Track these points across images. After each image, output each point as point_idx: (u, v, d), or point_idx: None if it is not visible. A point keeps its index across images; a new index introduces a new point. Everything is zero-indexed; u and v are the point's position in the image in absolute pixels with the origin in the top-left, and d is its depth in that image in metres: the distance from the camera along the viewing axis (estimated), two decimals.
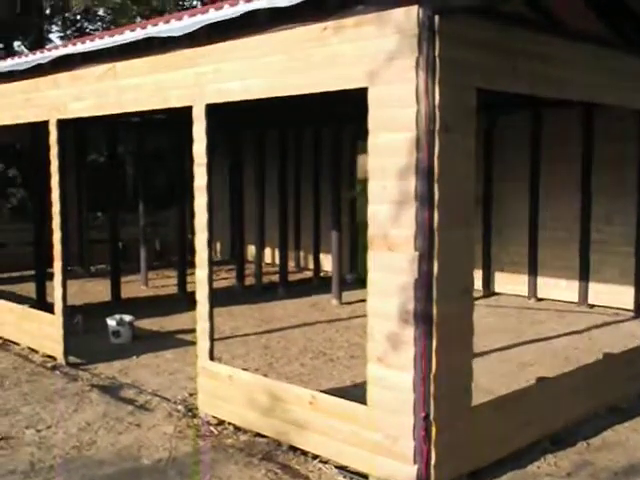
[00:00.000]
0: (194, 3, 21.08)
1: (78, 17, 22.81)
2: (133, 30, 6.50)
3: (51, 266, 10.38)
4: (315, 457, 5.22)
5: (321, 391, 5.93)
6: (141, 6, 16.99)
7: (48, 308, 9.43)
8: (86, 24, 22.08)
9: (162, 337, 9.18)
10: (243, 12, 5.18)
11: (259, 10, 5.14)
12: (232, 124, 12.37)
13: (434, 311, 4.47)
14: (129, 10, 16.72)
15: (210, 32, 5.63)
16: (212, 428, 5.82)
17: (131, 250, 14.21)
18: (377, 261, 4.68)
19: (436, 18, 4.35)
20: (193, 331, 9.50)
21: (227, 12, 5.36)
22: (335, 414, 5.05)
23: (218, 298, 11.77)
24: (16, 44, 22.03)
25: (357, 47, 4.70)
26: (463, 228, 4.67)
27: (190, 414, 6.16)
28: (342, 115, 10.84)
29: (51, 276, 10.52)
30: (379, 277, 4.66)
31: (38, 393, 6.58)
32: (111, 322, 8.84)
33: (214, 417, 5.99)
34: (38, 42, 20.31)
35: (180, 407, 6.32)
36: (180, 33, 5.67)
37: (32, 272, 12.75)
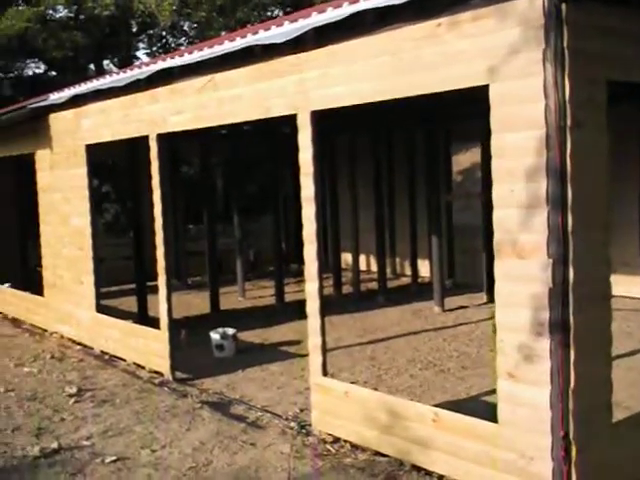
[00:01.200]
0: (276, 13, 21.12)
1: (164, 33, 23.19)
2: (232, 40, 6.38)
3: (150, 280, 10.58)
4: (440, 477, 4.94)
5: (436, 405, 5.67)
6: (226, 18, 17.04)
7: (150, 322, 9.48)
8: (171, 40, 22.42)
9: (266, 350, 9.05)
10: (349, 14, 4.98)
11: (366, 10, 4.92)
12: (323, 130, 12.19)
13: (571, 321, 4.14)
14: (215, 23, 16.79)
15: (315, 36, 5.44)
16: (328, 446, 5.61)
17: (225, 261, 14.21)
18: (505, 269, 4.38)
19: (563, 6, 4.04)
20: (296, 343, 9.49)
21: (332, 15, 5.16)
22: (461, 432, 4.77)
23: None
24: (105, 62, 22.54)
25: (475, 43, 4.42)
26: (599, 231, 4.32)
27: (304, 431, 5.97)
28: (436, 116, 10.54)
29: (151, 290, 10.66)
30: (508, 287, 4.36)
31: (149, 411, 6.52)
32: (215, 336, 8.77)
33: (329, 435, 5.79)
34: (126, 60, 20.71)
35: (293, 424, 6.14)
36: (283, 39, 5.51)
37: (130, 286, 12.98)
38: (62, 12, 20.10)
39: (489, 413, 4.73)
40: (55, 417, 6.45)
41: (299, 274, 15.14)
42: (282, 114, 5.94)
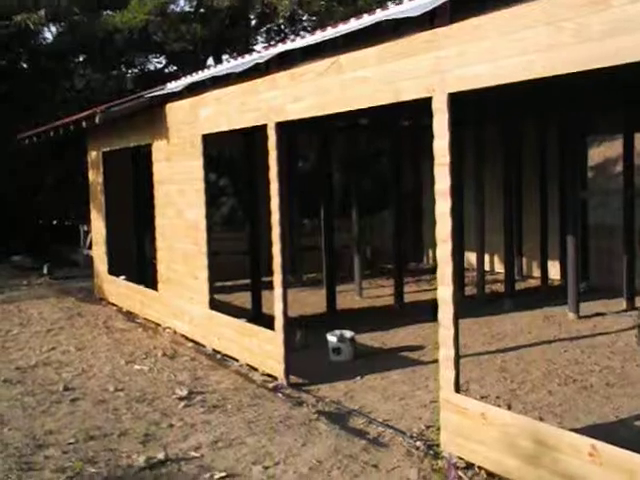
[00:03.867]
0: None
1: (282, 26, 22.90)
2: (359, 18, 5.79)
3: (265, 275, 10.18)
4: None
5: (575, 430, 4.93)
6: (347, 7, 16.49)
7: (264, 320, 9.06)
8: (290, 32, 22.10)
9: (385, 355, 8.45)
10: None
11: None
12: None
13: None
14: (336, 13, 16.27)
15: (454, 8, 4.79)
16: (461, 473, 4.96)
17: (341, 258, 13.68)
18: None
19: None
20: (418, 348, 8.85)
21: None
22: (625, 471, 4.01)
23: (435, 310, 11.12)
24: (224, 57, 22.46)
25: None
26: None
27: (431, 453, 5.34)
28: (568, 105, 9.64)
29: (266, 285, 10.26)
30: None
31: (262, 421, 6.02)
32: (332, 338, 8.24)
33: (460, 459, 5.12)
34: (245, 54, 20.46)
35: (419, 443, 5.51)
36: (419, 12, 4.88)
37: (245, 281, 12.66)
38: (182, 4, 20.16)
39: None
40: (163, 422, 6.05)
41: (417, 273, 14.50)
42: (414, 97, 5.31)
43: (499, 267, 13.75)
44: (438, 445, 5.43)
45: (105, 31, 16.99)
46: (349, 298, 12.00)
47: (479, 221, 11.53)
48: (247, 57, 7.49)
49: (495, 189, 11.99)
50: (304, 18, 18.83)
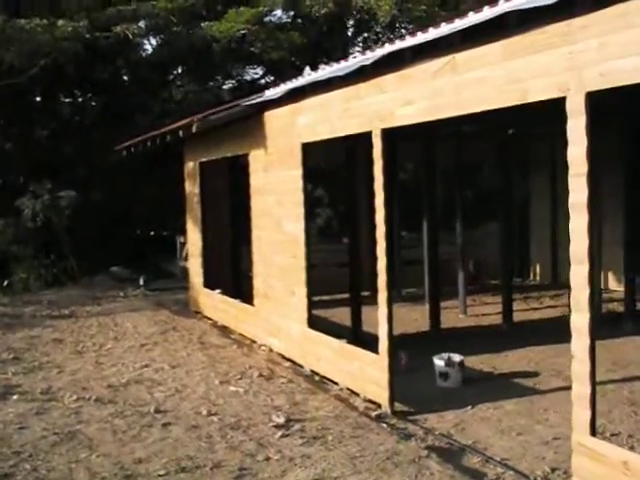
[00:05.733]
0: None
1: (379, 35, 22.41)
2: (478, 12, 5.21)
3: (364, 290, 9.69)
4: None
5: None
6: (450, 11, 15.87)
7: (364, 339, 8.54)
8: (388, 41, 21.55)
9: (496, 381, 7.77)
10: None
11: None
12: None
13: None
14: (437, 17, 15.66)
15: None
16: None
17: (442, 272, 12.99)
18: None
19: None
20: (533, 375, 8.11)
21: None
22: None
23: (548, 331, 10.37)
24: (321, 67, 22.15)
25: None
26: None
27: None
28: None
29: (365, 300, 9.75)
30: None
31: (367, 457, 5.47)
32: (439, 362, 7.62)
33: None
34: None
35: None
36: (551, 1, 4.26)
37: (342, 296, 12.17)
38: (279, 14, 19.91)
39: None
40: (259, 454, 5.57)
41: (524, 290, 13.66)
42: (544, 98, 4.69)
43: (613, 284, 12.79)
44: None
45: (203, 41, 16.88)
46: (453, 316, 11.32)
47: (597, 232, 10.66)
48: (351, 60, 6.99)
49: (610, 197, 11.10)
50: (404, 25, 18.25)
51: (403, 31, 20.29)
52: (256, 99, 8.80)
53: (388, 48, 6.21)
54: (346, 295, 13.18)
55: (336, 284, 12.41)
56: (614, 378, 7.63)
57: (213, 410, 6.78)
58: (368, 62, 6.32)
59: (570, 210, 4.52)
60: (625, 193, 10.04)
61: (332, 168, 17.98)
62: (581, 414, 4.57)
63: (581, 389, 4.55)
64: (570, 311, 10.84)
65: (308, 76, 7.85)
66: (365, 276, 10.38)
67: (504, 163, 10.93)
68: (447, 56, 5.57)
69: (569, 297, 10.83)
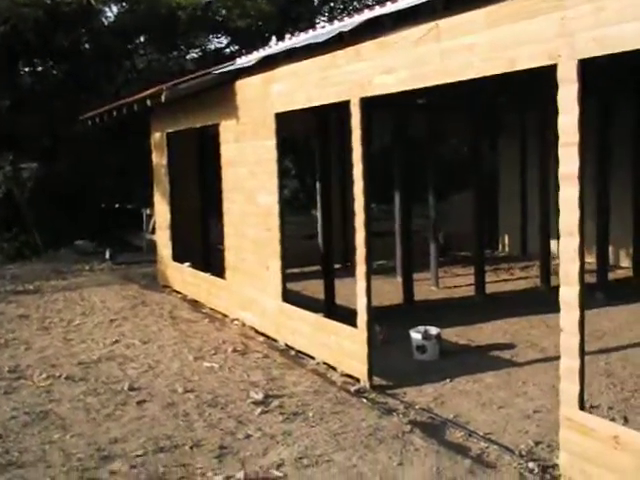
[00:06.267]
0: None
1: (346, 4, 22.11)
2: None
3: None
4: None
5: None
6: None
7: (338, 313, 8.46)
8: (354, 11, 21.32)
9: (473, 354, 7.73)
10: None
11: None
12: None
13: None
14: None
15: None
16: None
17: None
18: None
19: None
20: (509, 347, 8.07)
21: None
22: None
23: (521, 302, 10.37)
24: (287, 37, 21.82)
25: None
26: None
27: (548, 477, 4.63)
28: None
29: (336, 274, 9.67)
30: None
31: (350, 433, 5.37)
32: (415, 335, 7.55)
33: None
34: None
35: (531, 465, 4.81)
36: None
37: (311, 268, 12.10)
38: None
39: None
40: (239, 432, 5.44)
41: (494, 261, 13.64)
42: (533, 65, 4.56)
43: (589, 256, 12.82)
44: (554, 467, 4.73)
45: (168, 8, 16.45)
46: (425, 288, 11.25)
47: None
48: (328, 27, 6.79)
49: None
50: None
51: (370, 2, 20.03)
52: (228, 67, 8.55)
53: (367, 14, 6.03)
54: (315, 268, 13.17)
55: (304, 257, 12.29)
56: (590, 349, 7.43)
57: (189, 387, 6.62)
58: (346, 29, 6.13)
59: (560, 181, 4.42)
60: (598, 161, 10.02)
61: (299, 139, 17.78)
62: (569, 388, 4.50)
63: (570, 362, 4.48)
64: (540, 282, 10.93)
65: (283, 43, 7.63)
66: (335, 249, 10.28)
67: (474, 133, 10.82)
68: (430, 23, 5.41)
69: (542, 268, 10.96)
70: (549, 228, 11.35)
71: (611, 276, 11.83)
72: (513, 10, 4.67)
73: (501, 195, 15.12)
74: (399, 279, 11.63)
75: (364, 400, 6.18)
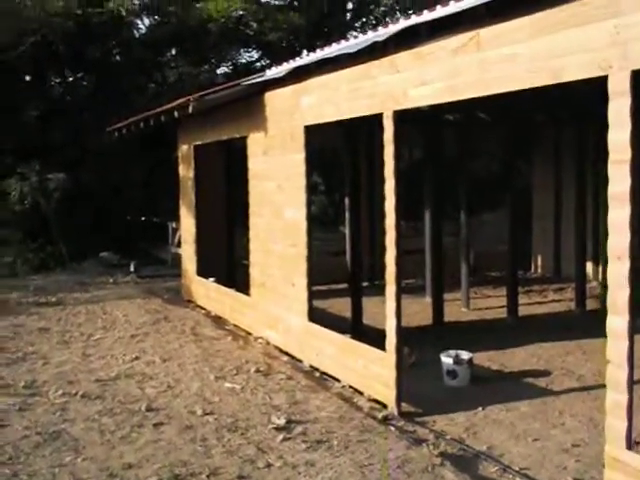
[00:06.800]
0: None
1: (379, 20, 21.87)
2: None
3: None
4: None
5: None
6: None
7: (365, 333, 8.17)
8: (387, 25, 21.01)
9: (506, 380, 7.37)
10: None
11: None
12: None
13: None
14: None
15: None
16: None
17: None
18: None
19: None
20: (544, 374, 7.67)
21: None
22: None
23: (555, 326, 9.98)
24: (318, 50, 21.63)
25: None
26: None
27: None
28: None
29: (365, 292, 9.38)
30: None
31: (376, 464, 5.05)
32: (446, 360, 7.21)
33: None
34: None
35: None
36: None
37: (338, 286, 11.84)
38: None
39: None
40: (260, 461, 5.14)
41: (526, 283, 13.23)
42: (581, 77, 4.26)
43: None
44: None
45: (199, 20, 16.33)
46: (455, 309, 10.90)
47: (603, 228, 10.24)
48: (361, 37, 6.53)
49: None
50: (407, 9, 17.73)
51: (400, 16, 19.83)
52: (257, 78, 8.33)
53: (403, 23, 5.76)
54: (342, 285, 12.89)
55: (331, 274, 12.04)
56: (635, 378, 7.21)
57: (208, 409, 6.34)
58: (381, 38, 5.86)
59: (610, 201, 4.10)
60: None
61: (327, 153, 17.52)
62: (616, 424, 4.17)
63: (617, 397, 4.15)
64: (576, 305, 10.51)
65: (314, 54, 7.39)
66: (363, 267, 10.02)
67: (507, 150, 10.50)
68: (470, 32, 5.12)
69: (577, 291, 10.54)
70: (585, 250, 10.98)
71: None
72: (561, 18, 4.37)
73: (535, 215, 14.72)
74: (428, 299, 11.31)
75: (392, 428, 5.86)
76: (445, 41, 5.40)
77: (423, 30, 5.54)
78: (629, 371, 4.09)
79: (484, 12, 4.88)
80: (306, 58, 7.52)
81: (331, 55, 6.71)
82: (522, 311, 10.43)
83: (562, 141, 13.70)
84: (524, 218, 14.77)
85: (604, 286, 10.31)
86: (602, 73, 4.08)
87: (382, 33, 5.99)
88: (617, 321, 4.12)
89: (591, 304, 10.75)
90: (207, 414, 6.20)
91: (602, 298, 10.35)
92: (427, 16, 5.40)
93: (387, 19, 20.50)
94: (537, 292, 12.53)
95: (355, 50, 6.19)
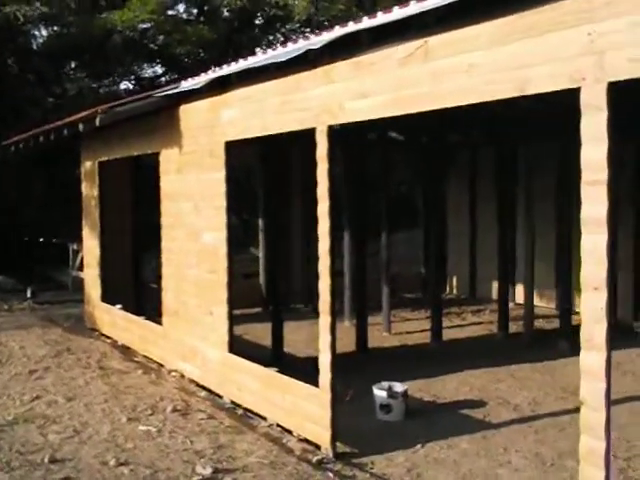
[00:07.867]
0: None
1: (291, 33, 21.47)
2: None
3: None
4: None
5: None
6: (367, 12, 15.11)
7: (288, 363, 7.66)
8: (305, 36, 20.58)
9: (441, 412, 6.97)
10: None
11: None
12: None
13: None
14: (355, 17, 14.88)
15: None
16: None
17: None
18: None
19: None
20: (479, 405, 7.26)
21: None
22: None
23: (480, 351, 9.69)
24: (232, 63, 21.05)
25: None
26: None
27: None
28: None
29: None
30: None
31: None
32: (380, 393, 6.74)
33: None
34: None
35: None
36: None
37: (251, 310, 11.55)
38: (182, 10, 18.66)
39: None
40: None
41: (444, 304, 12.99)
42: (549, 89, 3.88)
43: (540, 300, 12.25)
44: None
45: (103, 30, 15.47)
46: (377, 334, 10.46)
47: (528, 250, 10.09)
48: (291, 45, 6.03)
49: (545, 214, 10.68)
50: (322, 21, 17.33)
51: (317, 31, 19.46)
52: (172, 89, 7.71)
53: (340, 31, 5.30)
54: (255, 310, 12.34)
55: (244, 297, 11.42)
56: (567, 407, 6.93)
57: (122, 458, 5.59)
58: (315, 46, 5.38)
59: (583, 226, 3.71)
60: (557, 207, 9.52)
61: (236, 172, 16.94)
62: (592, 474, 3.75)
63: (594, 443, 3.74)
64: (498, 328, 10.31)
65: (236, 64, 6.84)
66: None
67: (426, 170, 10.23)
68: (418, 40, 4.70)
69: (500, 314, 10.33)
70: (507, 271, 10.79)
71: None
72: (526, 24, 3.98)
73: (449, 236, 14.53)
74: (347, 323, 10.90)
75: (330, 474, 5.32)
76: (390, 50, 4.95)
77: (364, 38, 5.09)
78: (606, 414, 3.68)
79: (432, 19, 4.47)
80: (227, 68, 6.96)
81: (257, 65, 6.17)
82: (445, 334, 10.12)
83: (477, 161, 13.62)
84: (438, 239, 14.62)
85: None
86: (574, 85, 3.71)
87: (316, 41, 5.50)
88: (593, 358, 3.72)
89: (513, 327, 10.56)
90: (121, 464, 5.46)
91: (527, 322, 10.17)
92: (370, 22, 4.95)
93: (294, 36, 20.17)
94: (456, 314, 12.30)
95: (285, 59, 5.68)
